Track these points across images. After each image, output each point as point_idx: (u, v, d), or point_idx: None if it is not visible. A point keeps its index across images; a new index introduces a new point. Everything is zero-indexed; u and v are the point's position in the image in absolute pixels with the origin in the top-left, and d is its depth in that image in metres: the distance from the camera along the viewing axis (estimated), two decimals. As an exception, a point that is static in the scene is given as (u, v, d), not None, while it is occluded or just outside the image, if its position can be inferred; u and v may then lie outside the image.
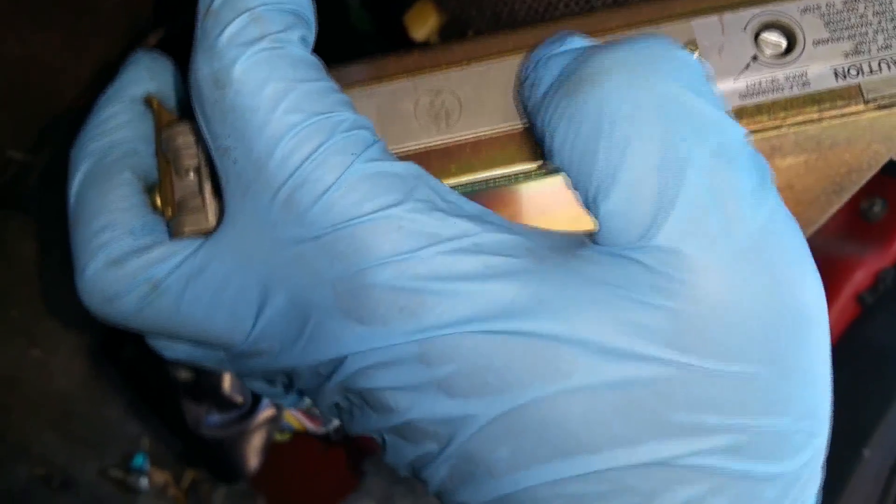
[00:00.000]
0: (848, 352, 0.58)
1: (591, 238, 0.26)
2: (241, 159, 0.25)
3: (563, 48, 0.27)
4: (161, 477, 0.62)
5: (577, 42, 0.27)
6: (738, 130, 0.25)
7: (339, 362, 0.26)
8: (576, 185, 0.25)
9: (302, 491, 0.73)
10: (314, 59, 0.26)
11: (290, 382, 0.30)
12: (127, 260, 0.28)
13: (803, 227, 0.48)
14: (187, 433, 0.63)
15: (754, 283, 0.24)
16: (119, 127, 0.31)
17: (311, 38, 0.27)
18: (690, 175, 0.24)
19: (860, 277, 0.59)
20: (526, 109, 0.28)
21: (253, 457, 0.66)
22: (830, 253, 0.61)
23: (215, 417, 0.62)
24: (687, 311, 0.23)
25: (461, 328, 0.24)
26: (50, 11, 0.48)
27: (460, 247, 0.25)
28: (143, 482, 0.61)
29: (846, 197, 0.42)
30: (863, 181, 0.40)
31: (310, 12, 0.27)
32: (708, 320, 0.23)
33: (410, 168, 0.26)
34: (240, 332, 0.28)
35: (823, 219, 0.47)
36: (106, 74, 0.55)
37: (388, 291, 0.24)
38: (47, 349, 0.58)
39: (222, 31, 0.25)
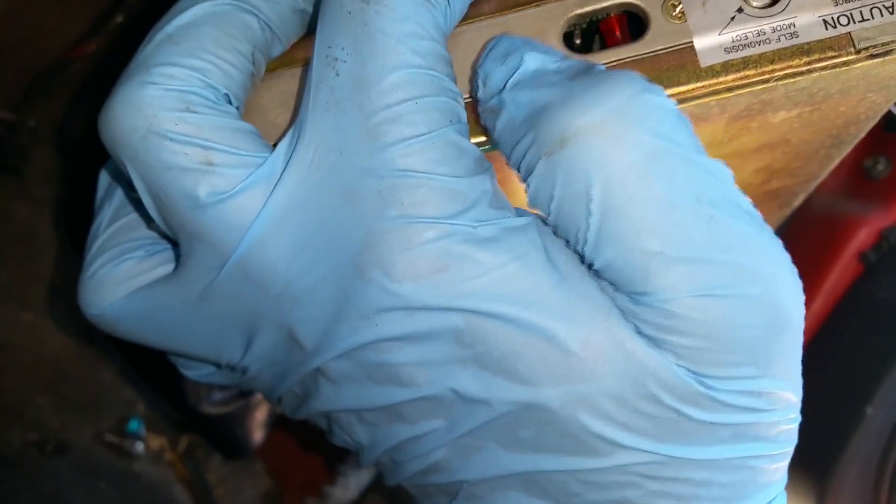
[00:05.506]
0: (850, 310, 0.58)
1: None
2: (344, 73, 0.25)
3: (524, 70, 0.27)
4: (157, 441, 0.62)
5: (534, 61, 0.27)
6: (721, 169, 0.26)
7: (357, 319, 0.25)
8: (561, 232, 0.26)
9: (303, 463, 0.73)
10: (447, 34, 0.27)
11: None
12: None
13: (804, 181, 0.47)
14: (187, 408, 0.62)
15: (751, 313, 0.25)
16: None
17: (451, 19, 0.28)
18: (680, 229, 0.25)
19: (863, 236, 0.58)
20: (486, 126, 0.28)
21: (256, 431, 0.66)
22: (833, 212, 0.60)
23: (217, 394, 0.62)
24: (695, 345, 0.25)
25: (495, 307, 0.25)
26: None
27: (514, 226, 0.25)
28: (139, 447, 0.61)
29: (846, 149, 0.41)
30: (862, 133, 0.39)
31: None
32: (712, 346, 0.25)
33: (484, 160, 0.27)
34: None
35: (825, 172, 0.46)
36: (93, 32, 0.54)
37: (433, 249, 0.24)
38: (40, 312, 0.57)
39: None
